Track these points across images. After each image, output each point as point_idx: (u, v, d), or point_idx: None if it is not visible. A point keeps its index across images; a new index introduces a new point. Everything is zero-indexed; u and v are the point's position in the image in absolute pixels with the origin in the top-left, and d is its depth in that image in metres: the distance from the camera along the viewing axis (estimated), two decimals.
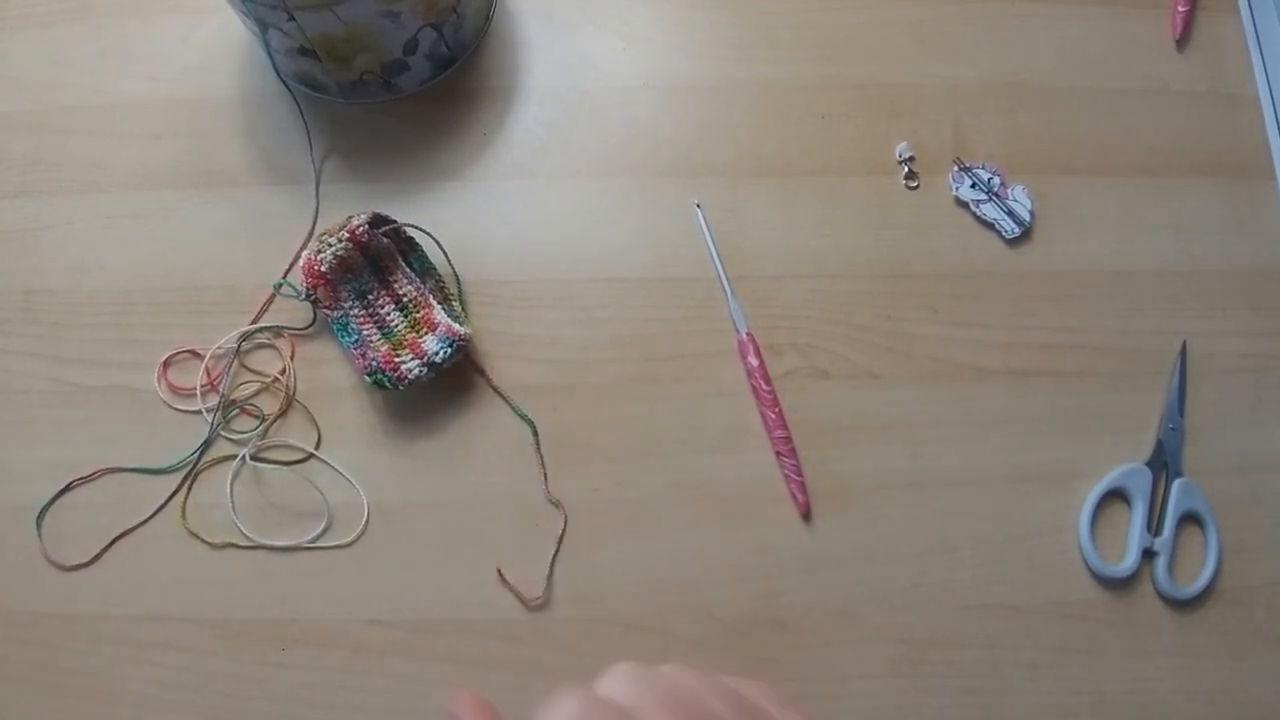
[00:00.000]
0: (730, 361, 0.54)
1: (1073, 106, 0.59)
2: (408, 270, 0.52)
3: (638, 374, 0.53)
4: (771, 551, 0.51)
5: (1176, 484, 0.52)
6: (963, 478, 0.52)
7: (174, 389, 0.53)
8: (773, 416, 0.52)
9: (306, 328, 0.54)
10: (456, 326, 0.51)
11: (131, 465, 0.52)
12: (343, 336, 0.52)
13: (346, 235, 0.50)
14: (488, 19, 0.60)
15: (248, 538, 0.50)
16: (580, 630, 0.49)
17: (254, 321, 0.54)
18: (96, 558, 0.50)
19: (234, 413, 0.52)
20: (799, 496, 0.51)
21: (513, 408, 0.53)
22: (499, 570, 0.50)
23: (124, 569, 0.50)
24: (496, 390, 0.53)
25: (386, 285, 0.52)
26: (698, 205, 0.56)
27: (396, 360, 0.50)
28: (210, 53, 0.60)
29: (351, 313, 0.52)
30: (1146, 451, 0.53)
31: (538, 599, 0.50)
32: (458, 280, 0.55)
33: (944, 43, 0.61)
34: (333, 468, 0.51)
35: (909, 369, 0.54)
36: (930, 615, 0.50)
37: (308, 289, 0.51)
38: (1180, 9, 0.61)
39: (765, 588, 0.50)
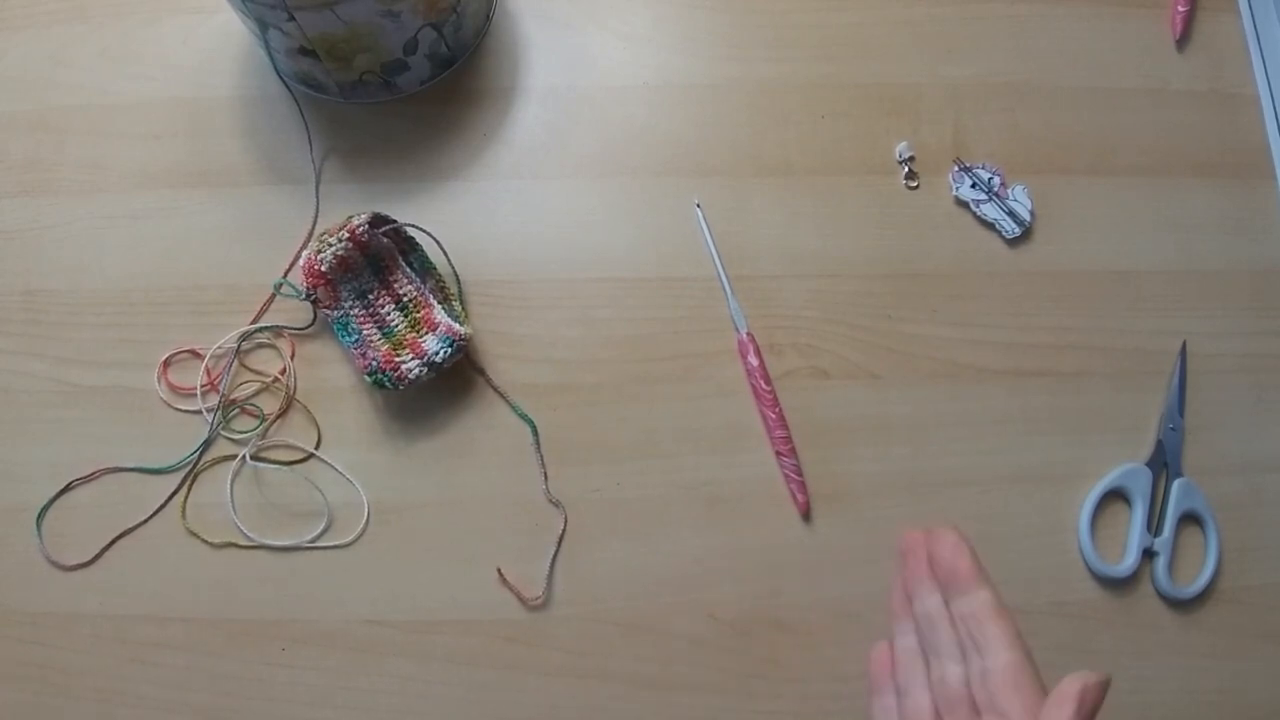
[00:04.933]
0: (730, 361, 0.54)
1: (1073, 106, 0.59)
2: (408, 270, 0.52)
3: (638, 374, 0.53)
4: (771, 551, 0.51)
5: (1176, 484, 0.52)
6: (963, 478, 0.52)
7: (174, 389, 0.53)
8: (773, 416, 0.52)
9: (306, 328, 0.54)
10: (456, 326, 0.51)
11: (131, 465, 0.52)
12: (343, 336, 0.52)
13: (346, 235, 0.50)
14: (488, 19, 0.60)
15: (248, 538, 0.50)
16: (580, 630, 0.49)
17: (254, 321, 0.54)
18: (96, 558, 0.50)
19: (234, 413, 0.52)
20: (799, 496, 0.51)
21: (513, 408, 0.53)
22: (499, 570, 0.50)
23: (124, 569, 0.50)
24: (496, 390, 0.53)
25: (386, 285, 0.52)
26: (698, 205, 0.56)
27: (397, 360, 0.50)
28: (210, 53, 0.60)
29: (351, 312, 0.52)
30: (1146, 451, 0.53)
31: (538, 599, 0.50)
32: (458, 280, 0.55)
33: (944, 43, 0.61)
34: (333, 468, 0.51)
35: (909, 369, 0.54)
36: None
37: (308, 289, 0.51)
38: (1180, 9, 0.61)
39: (765, 588, 0.50)
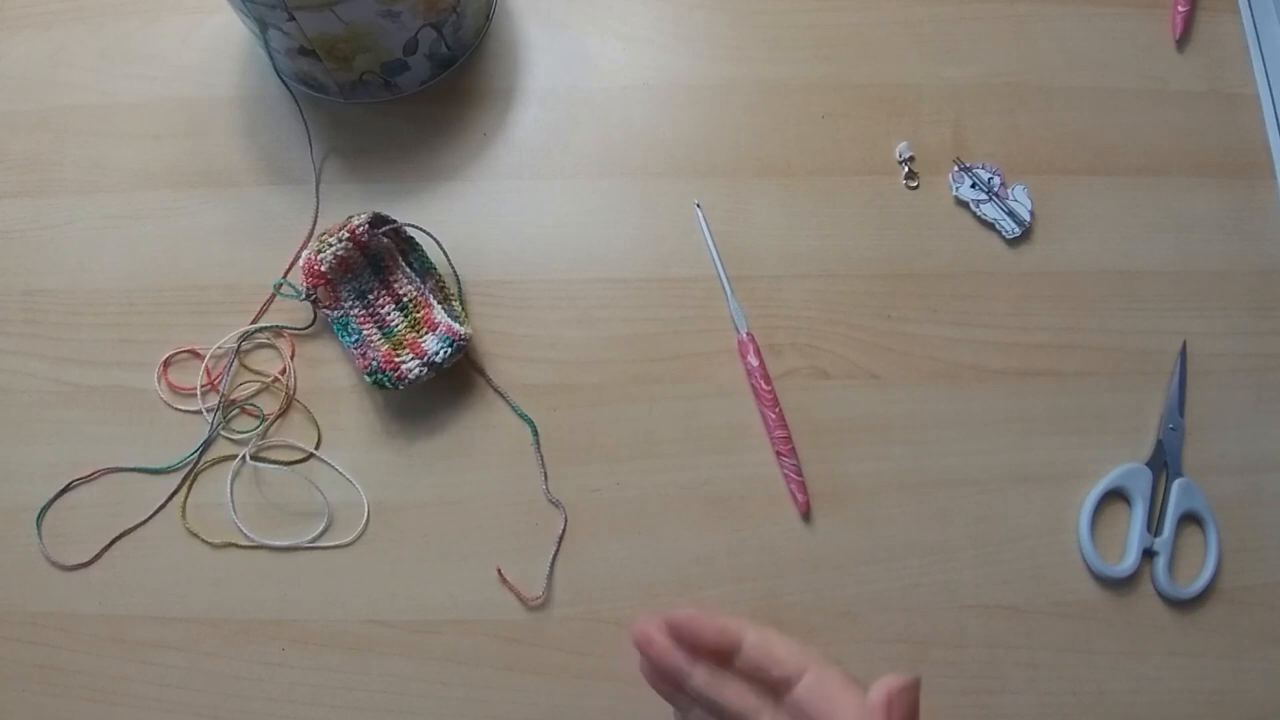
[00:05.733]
0: (730, 361, 0.54)
1: (1073, 106, 0.59)
2: (408, 270, 0.52)
3: (638, 374, 0.53)
4: (771, 551, 0.51)
5: (1176, 484, 0.52)
6: (963, 478, 0.52)
7: (174, 389, 0.53)
8: (773, 416, 0.52)
9: (306, 328, 0.54)
10: (456, 326, 0.51)
11: (131, 465, 0.52)
12: (343, 336, 0.52)
13: (346, 235, 0.50)
14: (488, 19, 0.60)
15: (248, 538, 0.50)
16: (580, 630, 0.49)
17: (254, 321, 0.54)
18: (96, 558, 0.50)
19: (234, 413, 0.52)
20: (799, 496, 0.51)
21: (513, 408, 0.53)
22: (499, 570, 0.50)
23: (124, 569, 0.50)
24: (496, 390, 0.53)
25: (386, 285, 0.52)
26: (698, 205, 0.56)
27: (396, 360, 0.50)
28: (210, 53, 0.60)
29: (351, 312, 0.52)
30: (1146, 451, 0.53)
31: (538, 599, 0.50)
32: (458, 280, 0.55)
33: (944, 43, 0.61)
34: (333, 468, 0.51)
35: (909, 369, 0.54)
36: (930, 615, 0.50)
37: (308, 289, 0.51)
38: (1180, 9, 0.61)
39: (765, 588, 0.50)
